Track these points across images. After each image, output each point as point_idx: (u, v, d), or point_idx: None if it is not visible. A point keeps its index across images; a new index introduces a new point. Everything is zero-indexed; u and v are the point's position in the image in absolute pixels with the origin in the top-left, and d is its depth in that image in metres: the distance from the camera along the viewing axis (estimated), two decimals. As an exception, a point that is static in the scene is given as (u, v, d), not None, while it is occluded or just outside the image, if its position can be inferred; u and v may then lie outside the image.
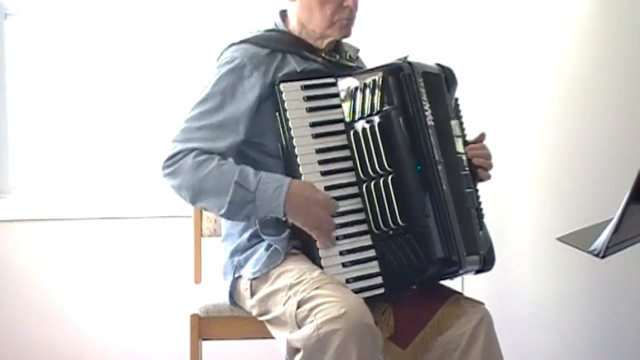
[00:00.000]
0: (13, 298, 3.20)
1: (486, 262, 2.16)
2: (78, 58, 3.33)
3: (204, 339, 2.29)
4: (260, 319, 2.15)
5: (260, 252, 2.13)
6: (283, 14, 2.27)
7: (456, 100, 2.27)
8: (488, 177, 2.24)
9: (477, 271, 2.18)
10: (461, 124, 2.24)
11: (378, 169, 2.06)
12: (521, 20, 2.81)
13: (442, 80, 2.20)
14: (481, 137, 2.27)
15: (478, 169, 2.21)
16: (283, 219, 2.07)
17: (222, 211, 2.08)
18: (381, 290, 2.04)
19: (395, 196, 2.03)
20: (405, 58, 2.13)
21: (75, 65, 3.33)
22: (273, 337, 2.14)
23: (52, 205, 3.24)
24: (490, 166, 2.24)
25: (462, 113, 2.26)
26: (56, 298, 3.22)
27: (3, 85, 3.28)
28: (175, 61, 3.33)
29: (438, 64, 2.23)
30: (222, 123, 2.11)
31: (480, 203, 2.21)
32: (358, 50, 2.34)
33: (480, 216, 2.20)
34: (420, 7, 3.29)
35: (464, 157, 2.19)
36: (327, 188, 2.06)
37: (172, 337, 3.16)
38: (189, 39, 3.32)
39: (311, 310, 1.93)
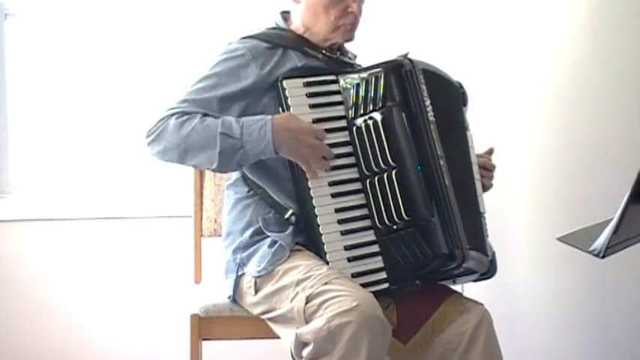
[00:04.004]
0: (13, 298, 3.20)
1: (489, 269, 2.18)
2: (78, 58, 3.33)
3: (204, 339, 2.28)
4: (263, 317, 2.14)
5: (263, 249, 2.13)
6: (285, 15, 2.29)
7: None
8: (490, 185, 2.27)
9: (479, 277, 2.19)
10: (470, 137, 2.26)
11: (381, 164, 2.06)
12: (516, 19, 2.82)
13: (460, 93, 2.26)
14: (490, 151, 2.30)
15: (483, 178, 2.24)
16: (275, 156, 2.07)
17: (214, 165, 2.09)
18: (385, 285, 2.05)
19: (399, 191, 2.04)
20: (406, 54, 2.14)
21: (75, 65, 3.33)
22: (273, 337, 2.14)
23: (52, 205, 3.24)
24: (491, 179, 2.28)
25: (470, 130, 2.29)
26: (56, 298, 3.22)
27: (3, 85, 3.28)
28: (176, 61, 3.33)
29: (459, 83, 2.27)
30: (209, 101, 2.14)
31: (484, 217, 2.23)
32: (355, 56, 2.36)
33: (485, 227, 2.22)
34: (415, 9, 3.29)
35: (475, 165, 2.22)
36: (331, 184, 2.07)
37: (172, 337, 3.15)
38: (189, 39, 3.32)
39: (321, 304, 1.93)
